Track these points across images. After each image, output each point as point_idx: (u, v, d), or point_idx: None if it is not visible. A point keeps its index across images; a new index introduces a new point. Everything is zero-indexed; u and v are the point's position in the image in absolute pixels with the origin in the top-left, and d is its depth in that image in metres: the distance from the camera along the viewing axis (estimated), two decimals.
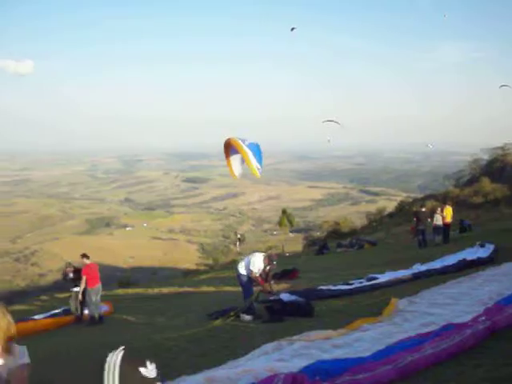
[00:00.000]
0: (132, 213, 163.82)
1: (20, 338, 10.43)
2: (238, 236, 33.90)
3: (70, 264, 16.59)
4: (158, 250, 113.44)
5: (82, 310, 15.51)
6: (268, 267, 12.44)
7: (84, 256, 15.42)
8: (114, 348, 7.21)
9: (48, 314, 16.61)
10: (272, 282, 13.51)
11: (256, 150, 13.28)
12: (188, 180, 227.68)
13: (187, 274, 47.43)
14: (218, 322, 11.26)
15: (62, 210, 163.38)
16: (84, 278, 14.91)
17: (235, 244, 33.16)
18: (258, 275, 12.27)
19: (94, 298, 14.92)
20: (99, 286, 15.27)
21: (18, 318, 16.40)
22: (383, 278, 14.87)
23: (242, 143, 13.18)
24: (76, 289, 15.40)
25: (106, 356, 2.12)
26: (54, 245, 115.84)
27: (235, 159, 13.57)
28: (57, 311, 16.71)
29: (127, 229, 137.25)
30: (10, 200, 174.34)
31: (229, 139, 13.22)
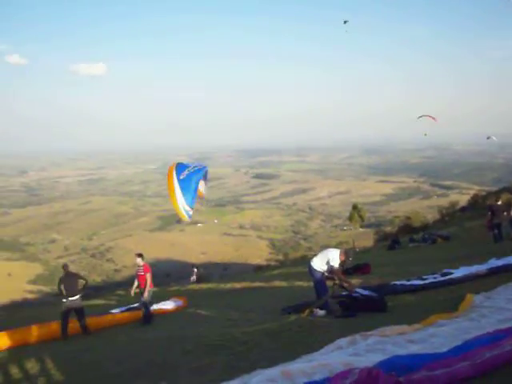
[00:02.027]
0: (203, 209, 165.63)
1: (99, 331, 10.88)
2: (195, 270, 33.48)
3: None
4: (229, 245, 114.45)
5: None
6: (343, 262, 12.39)
7: (139, 256, 15.37)
8: (192, 340, 7.41)
9: (124, 308, 17.05)
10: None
11: (189, 184, 12.93)
12: (258, 176, 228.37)
13: (258, 269, 47.68)
14: (291, 317, 11.33)
15: (134, 208, 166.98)
16: (149, 276, 14.97)
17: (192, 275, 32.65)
18: (338, 270, 12.21)
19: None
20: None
21: (96, 312, 16.98)
22: (458, 273, 14.55)
23: (174, 178, 12.96)
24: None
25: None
26: (128, 241, 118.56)
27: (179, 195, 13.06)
28: (133, 305, 17.08)
29: (198, 225, 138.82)
30: (86, 198, 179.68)
31: (168, 170, 13.13)
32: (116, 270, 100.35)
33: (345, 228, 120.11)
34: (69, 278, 14.37)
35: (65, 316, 14.06)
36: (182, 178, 13.00)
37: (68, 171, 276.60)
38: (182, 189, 12.83)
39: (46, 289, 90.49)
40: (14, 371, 10.49)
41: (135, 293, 15.61)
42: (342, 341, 7.68)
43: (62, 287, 14.22)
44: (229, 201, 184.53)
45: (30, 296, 77.80)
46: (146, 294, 14.87)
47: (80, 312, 14.28)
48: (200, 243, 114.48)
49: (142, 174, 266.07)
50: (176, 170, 12.98)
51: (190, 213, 13.10)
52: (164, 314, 16.08)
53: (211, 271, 59.69)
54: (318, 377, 5.91)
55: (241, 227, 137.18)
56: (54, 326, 14.37)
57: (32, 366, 10.61)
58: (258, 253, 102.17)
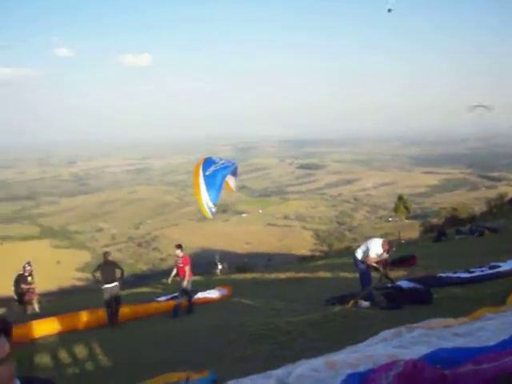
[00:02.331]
0: (247, 200, 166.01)
1: (145, 317, 11.05)
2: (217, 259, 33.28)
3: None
4: (274, 236, 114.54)
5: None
6: (386, 253, 12.29)
7: (179, 247, 15.55)
8: (236, 329, 7.50)
9: (170, 296, 17.24)
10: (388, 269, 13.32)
11: (215, 180, 12.76)
12: (302, 166, 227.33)
13: (302, 260, 47.61)
14: (336, 308, 11.32)
15: (179, 198, 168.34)
16: (188, 268, 15.11)
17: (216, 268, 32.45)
18: (374, 260, 12.16)
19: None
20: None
21: (143, 299, 17.25)
22: (506, 266, 14.29)
23: (200, 174, 12.83)
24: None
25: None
26: (173, 231, 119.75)
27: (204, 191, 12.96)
28: (172, 295, 17.28)
29: (243, 215, 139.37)
30: (133, 187, 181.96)
31: (195, 166, 13.08)
32: (161, 259, 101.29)
33: (390, 219, 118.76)
34: (107, 266, 14.65)
35: (108, 304, 14.33)
36: (207, 174, 12.98)
37: (115, 161, 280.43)
38: (207, 185, 12.80)
39: (96, 273, 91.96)
40: (63, 355, 10.78)
41: (173, 281, 15.83)
42: (387, 333, 7.64)
43: (99, 274, 14.51)
44: (273, 191, 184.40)
45: (78, 283, 79.33)
46: (185, 283, 15.02)
47: (117, 300, 14.52)
48: (244, 233, 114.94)
49: (187, 164, 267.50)
50: (203, 166, 12.97)
51: (213, 210, 12.94)
52: (209, 302, 16.24)
53: (255, 261, 59.82)
54: (362, 368, 5.90)
55: (285, 217, 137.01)
56: (101, 313, 14.69)
57: (80, 350, 10.88)
58: (302, 243, 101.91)
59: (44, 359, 10.71)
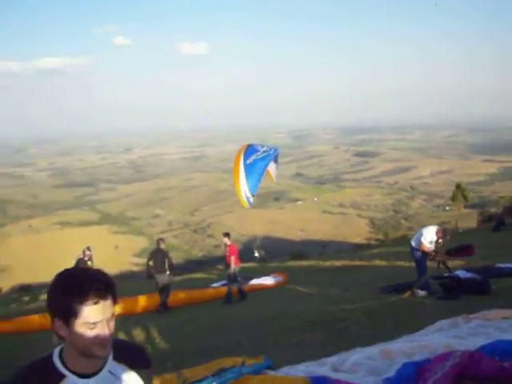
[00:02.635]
0: (303, 187, 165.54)
1: (201, 303, 11.18)
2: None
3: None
4: (328, 223, 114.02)
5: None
6: (441, 240, 12.09)
7: (226, 235, 15.49)
8: (291, 316, 7.55)
9: (224, 282, 17.38)
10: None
11: (256, 169, 12.44)
12: (358, 154, 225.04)
13: (357, 248, 47.28)
14: (392, 297, 11.25)
15: (234, 185, 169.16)
16: (233, 258, 15.05)
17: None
18: (427, 247, 11.97)
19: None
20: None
21: (198, 285, 17.45)
22: None
23: (241, 162, 12.48)
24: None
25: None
26: (228, 218, 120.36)
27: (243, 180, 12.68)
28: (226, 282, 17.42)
29: (298, 203, 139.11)
30: (189, 175, 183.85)
31: (237, 153, 12.80)
32: (216, 246, 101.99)
33: (447, 208, 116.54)
34: (158, 254, 14.81)
35: (160, 292, 14.58)
36: (249, 162, 12.68)
37: (172, 148, 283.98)
38: (247, 174, 12.55)
39: (150, 262, 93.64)
40: (122, 338, 11.04)
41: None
42: (443, 323, 7.57)
43: (151, 262, 14.71)
44: (329, 179, 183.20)
45: (135, 268, 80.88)
46: (231, 271, 15.09)
47: (166, 288, 14.67)
48: (299, 220, 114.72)
49: None
50: (244, 154, 12.70)
51: (251, 200, 12.74)
52: (264, 289, 16.34)
53: (310, 249, 59.79)
54: (417, 357, 5.87)
55: (340, 205, 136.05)
56: (158, 298, 14.99)
57: (138, 333, 11.15)
58: (357, 231, 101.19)
59: None
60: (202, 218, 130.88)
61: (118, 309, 13.92)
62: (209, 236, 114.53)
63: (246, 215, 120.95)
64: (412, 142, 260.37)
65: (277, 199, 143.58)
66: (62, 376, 2.10)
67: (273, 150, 13.30)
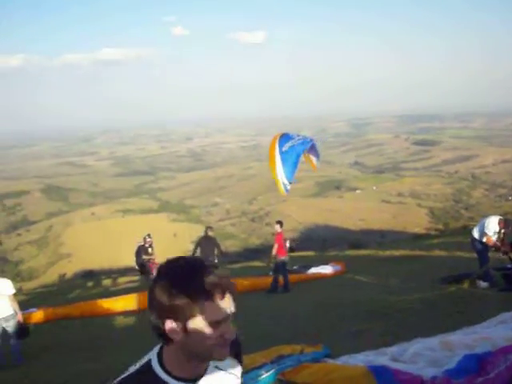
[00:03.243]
0: (361, 176, 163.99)
1: (259, 290, 11.26)
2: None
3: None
4: (387, 213, 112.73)
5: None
6: (503, 231, 11.82)
7: (278, 223, 15.22)
8: (350, 305, 7.55)
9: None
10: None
11: (291, 157, 12.35)
12: (418, 143, 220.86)
13: (417, 238, 46.61)
14: (452, 287, 11.09)
15: None
16: (276, 245, 14.74)
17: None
18: (492, 239, 11.72)
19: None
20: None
21: (256, 273, 17.55)
22: None
23: (277, 149, 12.21)
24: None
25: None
26: (286, 206, 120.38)
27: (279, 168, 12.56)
28: (294, 267, 17.46)
29: (357, 192, 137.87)
30: (247, 164, 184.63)
31: (271, 141, 12.56)
32: (273, 234, 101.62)
33: (510, 198, 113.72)
34: (206, 242, 14.79)
35: None
36: (284, 149, 12.66)
37: (231, 137, 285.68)
38: (284, 161, 12.53)
39: (197, 249, 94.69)
40: None
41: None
42: (506, 315, 7.42)
43: (199, 250, 14.69)
44: (388, 167, 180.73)
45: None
46: (278, 259, 14.90)
47: None
48: (358, 210, 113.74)
49: None
50: (279, 142, 12.63)
51: (288, 187, 12.77)
52: (322, 278, 16.33)
53: (368, 238, 59.35)
54: (479, 350, 5.79)
55: (399, 195, 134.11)
56: None
57: None
58: (416, 221, 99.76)
59: None
60: (260, 206, 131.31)
61: None
62: (266, 224, 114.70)
63: (305, 204, 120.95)
64: (474, 130, 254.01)
65: (338, 188, 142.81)
66: None
67: (309, 139, 13.24)
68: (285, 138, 12.91)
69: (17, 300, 9.75)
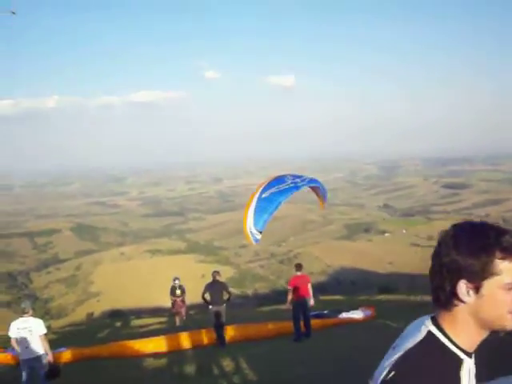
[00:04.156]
0: (390, 219, 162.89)
1: (289, 334, 11.03)
2: None
3: None
4: (417, 256, 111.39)
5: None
6: None
7: (295, 266, 14.96)
8: (382, 352, 7.37)
9: (316, 313, 17.12)
10: None
11: (269, 205, 12.10)
12: (447, 186, 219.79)
13: None
14: (494, 334, 10.84)
15: (322, 216, 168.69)
16: (290, 289, 14.29)
17: None
18: None
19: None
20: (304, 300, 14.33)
21: (284, 317, 17.34)
22: None
23: (257, 195, 11.99)
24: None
25: None
26: (315, 248, 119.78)
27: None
28: (325, 311, 17.25)
29: (386, 235, 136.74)
30: None
31: (258, 185, 12.41)
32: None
33: None
34: (215, 287, 14.61)
35: (215, 325, 14.21)
36: (264, 196, 12.40)
37: (259, 179, 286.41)
38: (258, 208, 12.26)
39: (236, 291, 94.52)
40: (211, 367, 11.19)
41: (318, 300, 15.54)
42: None
43: (207, 295, 14.53)
44: (417, 210, 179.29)
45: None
46: (287, 305, 14.67)
47: (220, 322, 14.27)
48: (387, 253, 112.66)
49: (329, 183, 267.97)
50: (264, 187, 12.37)
51: (258, 237, 12.26)
52: (352, 323, 16.11)
53: (397, 281, 58.60)
54: None
55: (429, 238, 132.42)
56: (250, 328, 15.10)
57: (227, 363, 11.25)
58: None
59: (191, 369, 11.19)
60: (289, 248, 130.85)
61: (204, 338, 14.19)
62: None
63: (334, 246, 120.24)
64: (504, 172, 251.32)
65: (366, 230, 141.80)
66: (460, 360, 1.77)
67: (306, 181, 13.09)
68: (275, 181, 12.77)
69: (47, 339, 9.80)
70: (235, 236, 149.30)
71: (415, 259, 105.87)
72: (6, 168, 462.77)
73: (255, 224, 12.35)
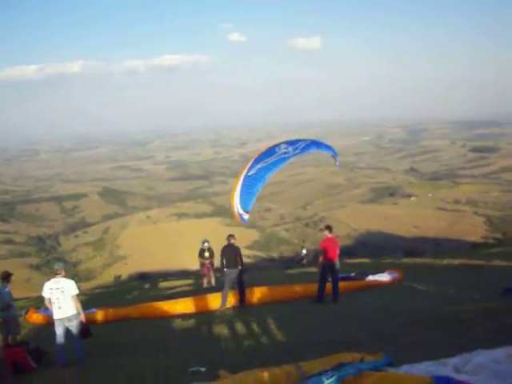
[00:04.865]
0: (416, 183, 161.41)
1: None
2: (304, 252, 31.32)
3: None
4: (443, 220, 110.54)
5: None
6: None
7: (326, 228, 14.81)
8: (408, 313, 7.43)
9: (344, 275, 17.13)
10: None
11: (254, 183, 12.45)
12: (475, 149, 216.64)
13: (474, 246, 45.62)
14: None
15: (347, 179, 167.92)
16: (322, 252, 14.28)
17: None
18: None
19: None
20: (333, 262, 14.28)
21: (312, 279, 17.47)
22: None
23: (243, 174, 12.10)
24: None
25: None
26: (340, 212, 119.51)
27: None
28: (352, 274, 17.31)
29: (411, 198, 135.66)
30: (302, 169, 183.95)
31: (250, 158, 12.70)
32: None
33: None
34: (229, 251, 14.61)
35: (228, 288, 14.30)
36: (251, 173, 12.76)
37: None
38: (244, 188, 12.62)
39: (261, 254, 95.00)
40: (240, 328, 11.34)
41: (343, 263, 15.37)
42: None
43: (224, 259, 14.53)
44: (444, 174, 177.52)
45: (247, 260, 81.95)
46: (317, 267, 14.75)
47: (240, 284, 14.42)
48: (413, 217, 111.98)
49: (356, 146, 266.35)
50: (253, 162, 12.83)
51: (245, 216, 12.69)
52: (380, 285, 16.14)
53: (423, 246, 58.41)
54: None
55: (456, 202, 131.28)
56: (277, 290, 15.26)
57: (255, 325, 11.38)
58: (473, 229, 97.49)
59: (223, 330, 11.35)
60: (314, 211, 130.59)
61: (232, 300, 14.36)
62: (320, 230, 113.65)
63: (359, 210, 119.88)
64: None
65: (392, 194, 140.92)
66: None
67: (300, 149, 13.31)
68: (266, 153, 13.23)
69: (79, 300, 10.00)
70: (260, 200, 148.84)
71: (441, 223, 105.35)
72: (32, 133, 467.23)
73: (242, 206, 12.70)
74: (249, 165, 12.90)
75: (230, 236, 15.15)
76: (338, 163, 14.90)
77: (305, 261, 30.38)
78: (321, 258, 14.43)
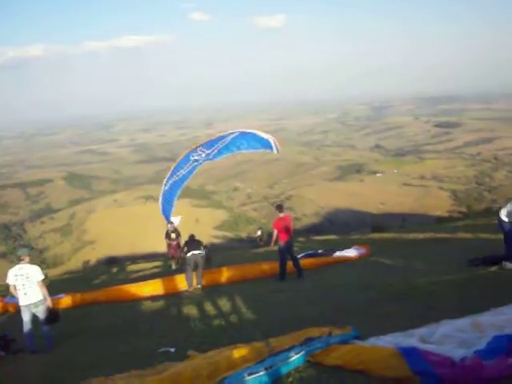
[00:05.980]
0: (382, 159, 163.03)
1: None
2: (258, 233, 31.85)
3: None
4: (409, 196, 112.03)
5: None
6: None
7: (276, 208, 14.78)
8: (377, 288, 7.53)
9: (304, 253, 17.40)
10: None
11: (170, 194, 16.36)
12: (439, 125, 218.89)
13: (440, 220, 46.24)
14: (479, 269, 11.03)
15: (314, 157, 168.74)
16: (275, 231, 14.28)
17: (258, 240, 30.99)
18: None
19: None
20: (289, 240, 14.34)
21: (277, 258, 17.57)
22: None
23: (162, 188, 14.29)
24: None
25: None
26: (308, 190, 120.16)
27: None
28: (319, 250, 17.50)
29: (377, 175, 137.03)
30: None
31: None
32: (296, 219, 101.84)
33: None
34: (193, 243, 14.65)
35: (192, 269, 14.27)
36: (165, 189, 16.16)
37: (251, 122, 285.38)
38: (164, 202, 16.31)
39: (230, 234, 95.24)
40: (209, 308, 11.35)
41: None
42: None
43: (186, 249, 14.55)
44: (409, 150, 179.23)
45: (215, 241, 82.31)
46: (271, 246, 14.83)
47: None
48: (379, 193, 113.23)
49: (322, 124, 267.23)
50: (168, 177, 16.55)
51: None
52: (347, 261, 16.30)
53: (390, 222, 59.01)
54: (508, 330, 5.79)
55: (421, 177, 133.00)
56: (246, 269, 15.32)
57: (224, 304, 11.41)
58: (438, 204, 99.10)
59: (191, 310, 11.35)
60: (282, 190, 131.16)
61: (204, 281, 14.38)
62: (288, 209, 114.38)
63: (326, 188, 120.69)
64: (497, 111, 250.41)
65: (358, 171, 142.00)
66: None
67: (216, 152, 14.81)
68: (180, 164, 16.72)
69: (45, 285, 9.89)
70: (227, 180, 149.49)
71: (407, 199, 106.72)
72: None
73: (165, 217, 16.59)
74: (164, 181, 16.24)
75: (192, 235, 15.04)
76: (275, 150, 15.41)
77: (261, 241, 30.44)
78: (273, 238, 14.54)
